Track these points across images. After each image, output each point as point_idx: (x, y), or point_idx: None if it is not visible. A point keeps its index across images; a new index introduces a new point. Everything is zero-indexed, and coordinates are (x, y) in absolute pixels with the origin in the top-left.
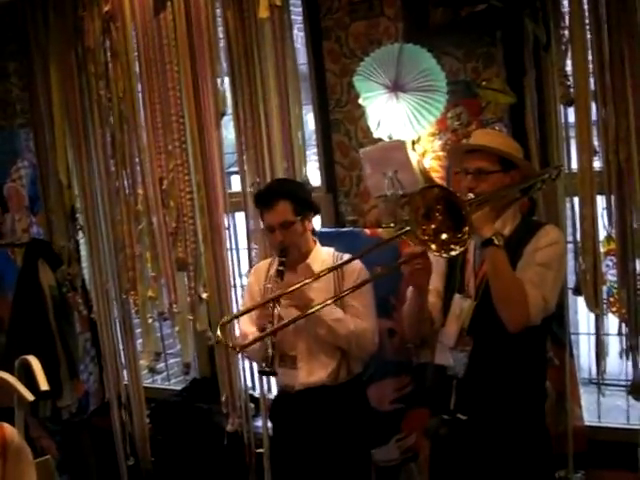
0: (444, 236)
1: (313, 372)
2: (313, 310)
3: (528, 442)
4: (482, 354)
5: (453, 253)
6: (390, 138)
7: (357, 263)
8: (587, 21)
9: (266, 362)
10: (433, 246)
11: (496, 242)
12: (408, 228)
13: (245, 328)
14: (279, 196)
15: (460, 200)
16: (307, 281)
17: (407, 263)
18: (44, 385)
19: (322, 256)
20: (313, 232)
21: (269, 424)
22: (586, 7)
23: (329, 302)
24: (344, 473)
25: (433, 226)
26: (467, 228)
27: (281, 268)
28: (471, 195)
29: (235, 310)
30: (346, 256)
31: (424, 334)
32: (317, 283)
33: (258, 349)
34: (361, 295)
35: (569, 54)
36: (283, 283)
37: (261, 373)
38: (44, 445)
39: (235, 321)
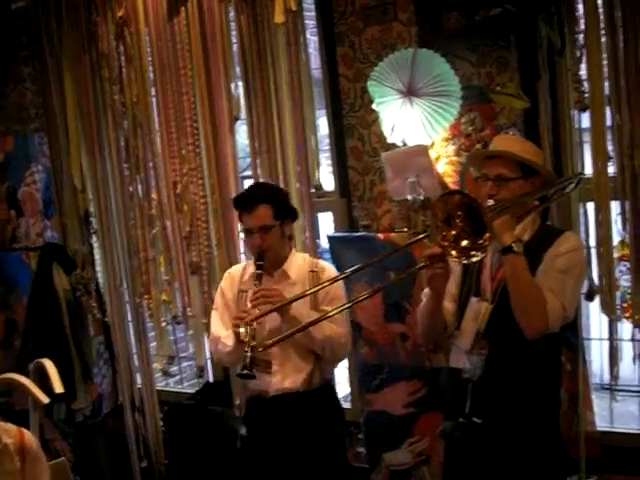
0: (464, 242)
1: (287, 377)
2: (285, 303)
3: (542, 447)
4: (498, 358)
5: (474, 259)
6: (404, 143)
7: (332, 271)
8: (602, 25)
9: (245, 365)
10: (453, 252)
11: (516, 249)
12: (426, 233)
13: (218, 332)
14: (260, 200)
15: (481, 206)
16: (295, 296)
17: (428, 267)
18: (59, 388)
19: (298, 262)
20: (290, 238)
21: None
22: (601, 11)
23: (300, 296)
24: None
25: (453, 232)
26: (488, 234)
27: (259, 271)
28: (491, 202)
29: None
30: (321, 261)
31: (437, 338)
32: (293, 289)
33: (235, 352)
34: (336, 302)
35: (584, 59)
36: (261, 287)
37: (240, 376)
38: (58, 447)
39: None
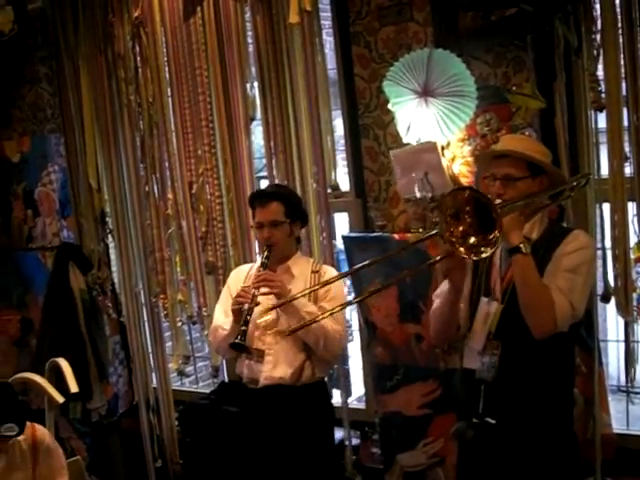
0: (472, 239)
1: (278, 366)
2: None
3: (556, 448)
4: (511, 358)
5: (483, 255)
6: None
7: (332, 272)
8: (620, 25)
9: (239, 336)
10: (462, 249)
11: (523, 250)
12: (435, 231)
13: (218, 321)
14: (274, 197)
15: (491, 202)
16: (307, 290)
17: (441, 262)
18: (74, 387)
19: (302, 262)
20: (298, 240)
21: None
22: (619, 11)
23: (306, 292)
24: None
25: (461, 229)
26: (497, 230)
27: (265, 261)
28: (498, 201)
29: None
30: (324, 266)
31: (450, 338)
32: (295, 285)
33: (232, 335)
34: (335, 300)
35: (601, 58)
36: (266, 272)
37: (233, 346)
38: (74, 446)
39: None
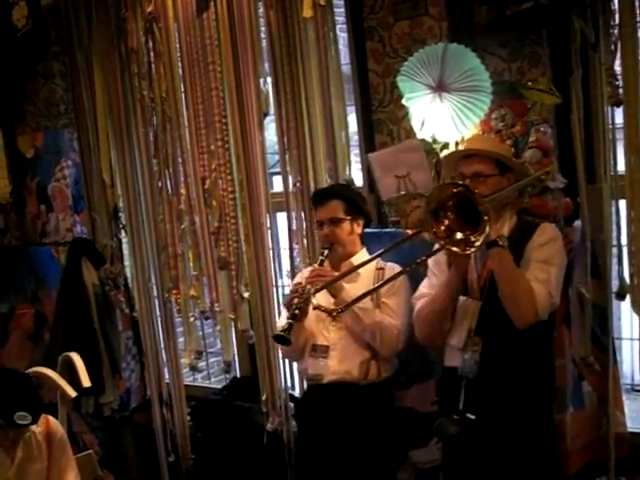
0: (459, 235)
1: (344, 361)
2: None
3: (535, 439)
4: (493, 352)
5: (477, 244)
6: (433, 139)
7: (396, 269)
8: (638, 19)
9: (283, 328)
10: (454, 248)
11: (501, 243)
12: (423, 227)
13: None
14: (333, 195)
15: (477, 196)
16: (348, 270)
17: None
18: (86, 382)
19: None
20: (361, 238)
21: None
22: (637, 4)
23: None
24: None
25: (443, 227)
26: (485, 222)
27: (322, 257)
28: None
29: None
30: (388, 264)
31: (438, 337)
32: (356, 283)
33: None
34: (395, 295)
35: (618, 53)
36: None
37: (276, 338)
38: (86, 440)
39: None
